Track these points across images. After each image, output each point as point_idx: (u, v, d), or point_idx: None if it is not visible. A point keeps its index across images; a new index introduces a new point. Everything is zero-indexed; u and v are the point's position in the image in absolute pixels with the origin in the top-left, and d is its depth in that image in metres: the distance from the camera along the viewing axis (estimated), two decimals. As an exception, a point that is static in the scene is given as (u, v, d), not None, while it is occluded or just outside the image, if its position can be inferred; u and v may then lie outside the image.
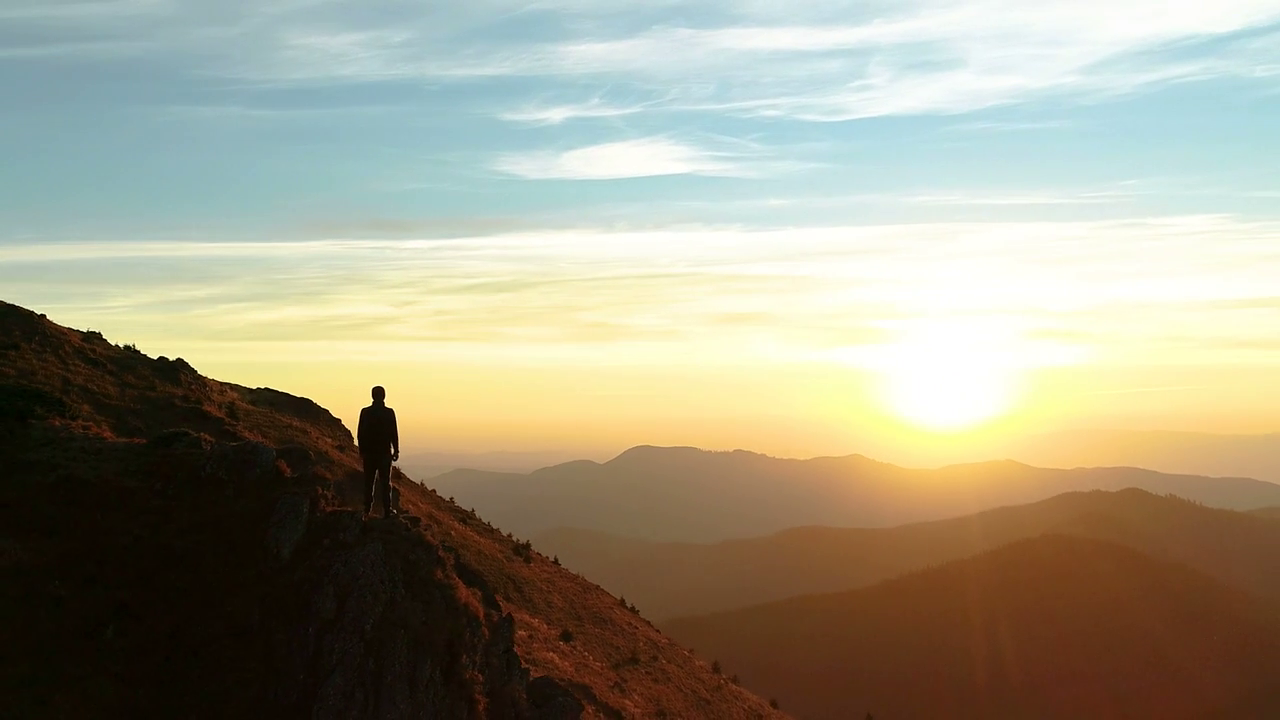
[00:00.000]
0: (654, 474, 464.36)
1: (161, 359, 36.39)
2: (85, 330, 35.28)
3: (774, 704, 47.21)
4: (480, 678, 16.52)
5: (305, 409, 43.23)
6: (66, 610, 14.32)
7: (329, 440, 40.08)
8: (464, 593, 17.11)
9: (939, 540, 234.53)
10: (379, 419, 17.99)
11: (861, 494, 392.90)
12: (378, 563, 16.05)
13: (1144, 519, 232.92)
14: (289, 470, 17.93)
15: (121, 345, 36.20)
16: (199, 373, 37.56)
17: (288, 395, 44.06)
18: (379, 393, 18.07)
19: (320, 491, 17.34)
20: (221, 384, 40.15)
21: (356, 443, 18.55)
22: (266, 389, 44.10)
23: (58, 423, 19.43)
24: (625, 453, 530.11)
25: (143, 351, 36.38)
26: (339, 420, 44.99)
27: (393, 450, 18.03)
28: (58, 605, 14.38)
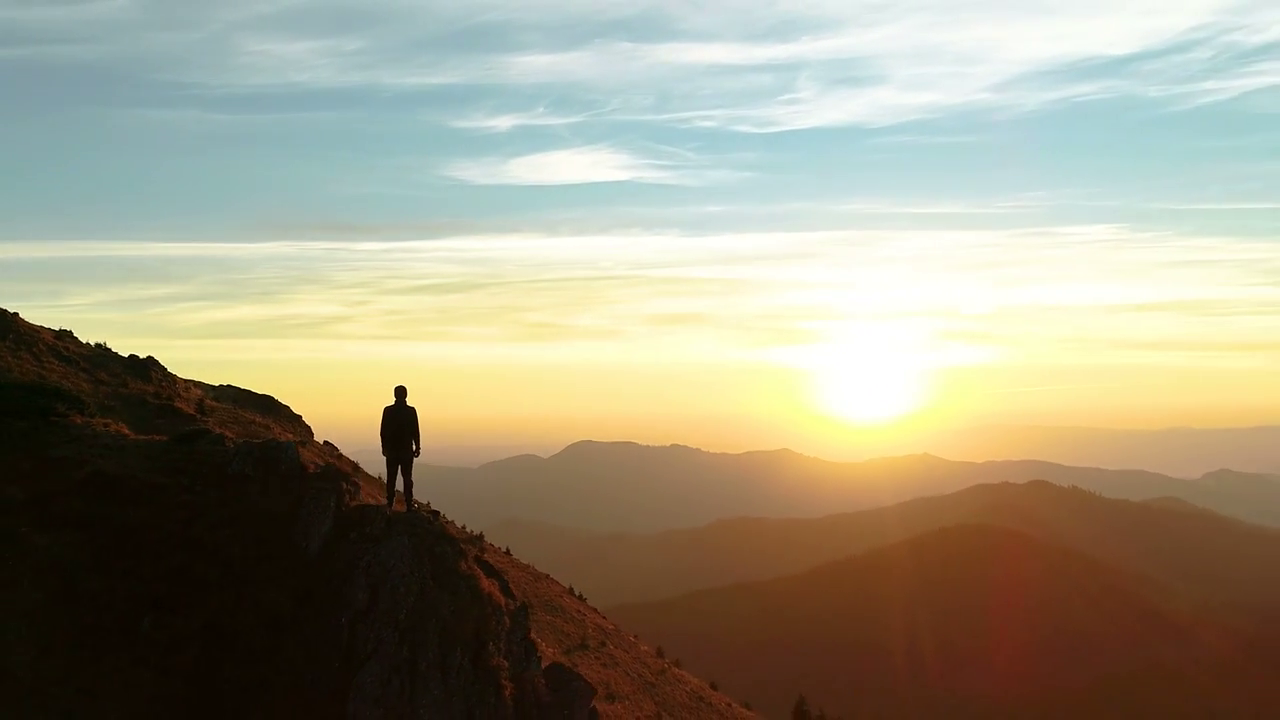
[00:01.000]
0: (596, 468, 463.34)
1: (132, 356, 35.82)
2: (57, 329, 34.71)
3: (713, 685, 48.15)
4: (505, 664, 16.56)
5: (268, 405, 42.69)
6: (104, 604, 14.10)
7: (291, 436, 40.00)
8: (486, 583, 17.11)
9: (862, 529, 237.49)
10: (402, 417, 17.90)
11: (790, 486, 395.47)
12: (407, 555, 15.93)
13: (1048, 508, 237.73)
14: (313, 466, 17.75)
15: (93, 343, 35.65)
16: (169, 370, 37.17)
17: (250, 392, 43.40)
18: (401, 392, 18.01)
19: (345, 486, 17.29)
20: (185, 381, 39.63)
21: (380, 440, 18.18)
22: (229, 386, 43.51)
23: (79, 420, 18.97)
24: (569, 447, 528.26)
25: (113, 349, 35.99)
26: (299, 416, 44.60)
27: (414, 446, 17.95)
28: (95, 599, 14.14)
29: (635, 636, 47.78)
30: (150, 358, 37.10)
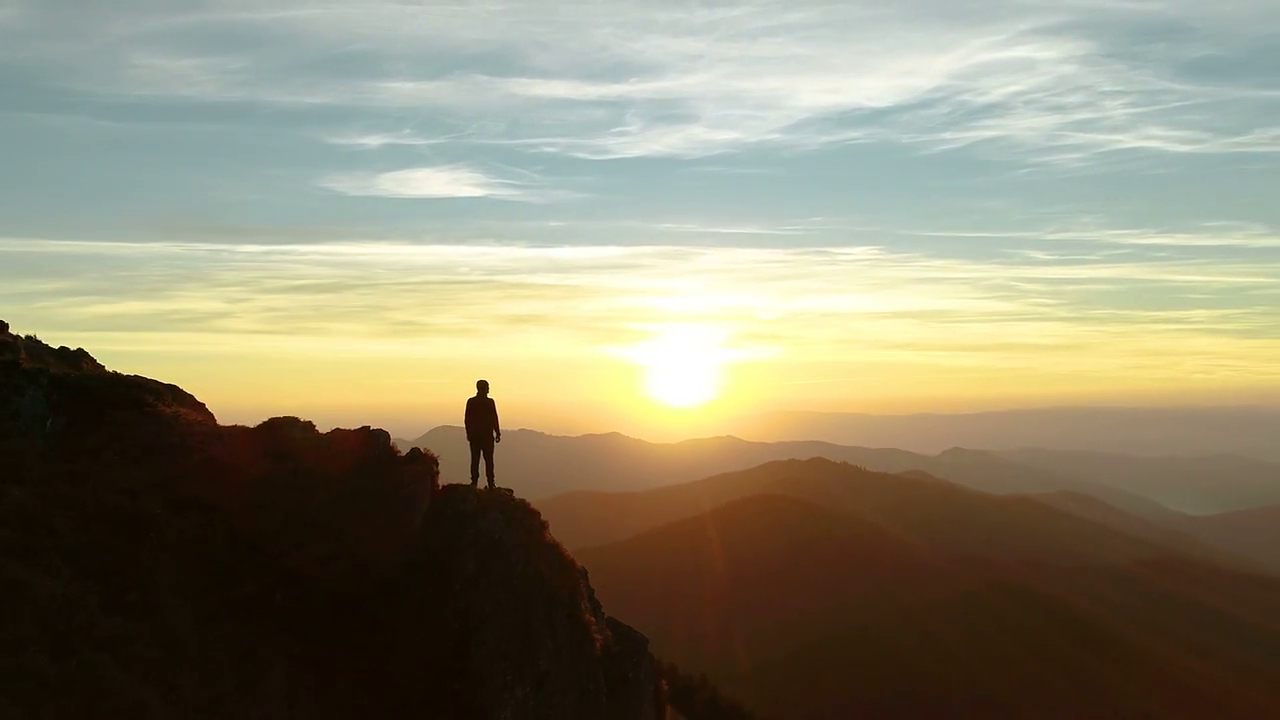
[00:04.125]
0: (454, 450, 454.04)
1: (63, 348, 34.04)
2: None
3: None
4: (593, 620, 16.43)
5: (176, 394, 41.35)
6: (238, 578, 13.36)
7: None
8: (566, 550, 16.78)
9: (680, 500, 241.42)
10: (483, 407, 17.51)
11: (619, 464, 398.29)
12: (506, 526, 15.61)
13: (825, 480, 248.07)
14: (399, 451, 16.86)
15: (23, 335, 33.65)
16: (97, 360, 35.55)
17: (155, 381, 41.79)
18: (483, 386, 17.60)
19: (435, 469, 16.68)
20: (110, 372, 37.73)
21: (465, 428, 17.80)
22: (135, 375, 41.62)
23: (168, 410, 17.45)
24: (430, 432, 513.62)
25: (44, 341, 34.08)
26: (203, 404, 43.05)
27: (495, 433, 17.59)
28: (229, 574, 13.38)
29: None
30: (80, 349, 35.48)
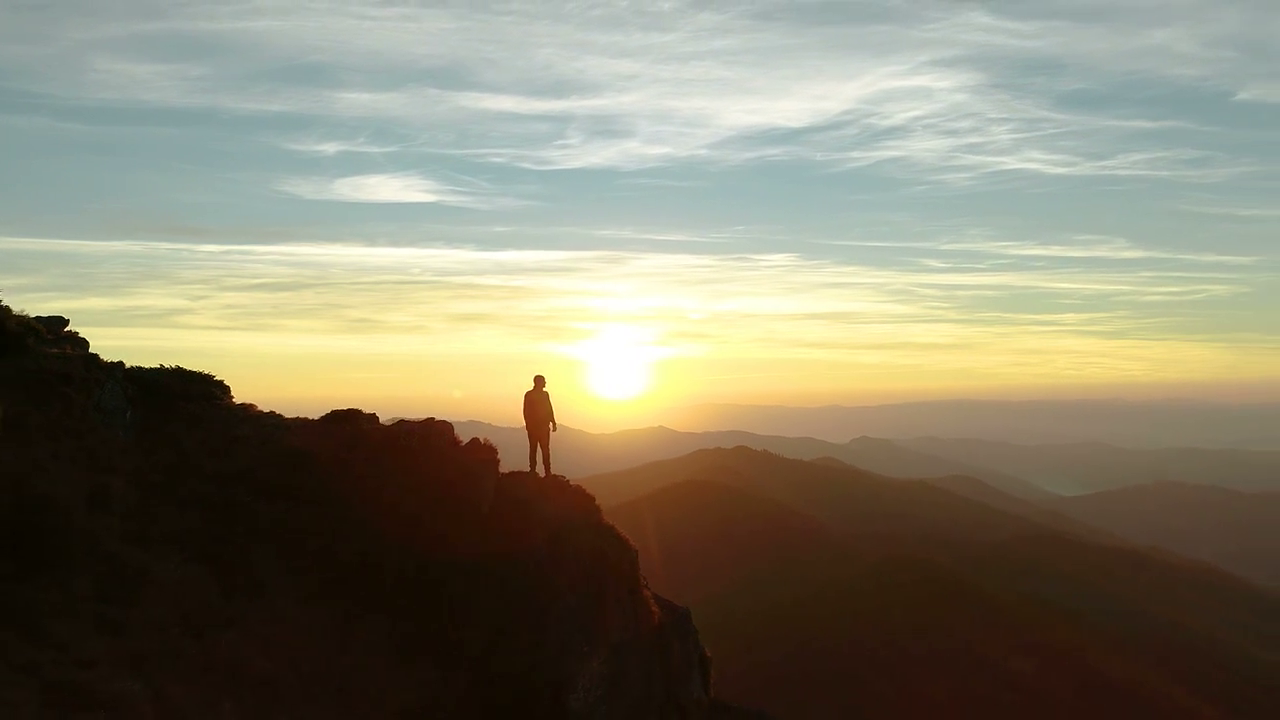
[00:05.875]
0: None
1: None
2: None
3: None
4: (649, 593, 16.45)
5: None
6: (328, 560, 13.09)
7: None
8: (621, 530, 16.74)
9: (615, 486, 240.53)
10: (540, 400, 17.42)
11: (561, 453, 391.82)
12: (569, 510, 15.58)
13: (748, 467, 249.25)
14: (461, 440, 16.61)
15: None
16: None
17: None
18: (540, 380, 17.50)
19: (496, 457, 16.54)
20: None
21: (523, 419, 17.60)
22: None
23: (236, 403, 16.97)
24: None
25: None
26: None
27: (551, 424, 17.49)
28: (320, 557, 13.09)
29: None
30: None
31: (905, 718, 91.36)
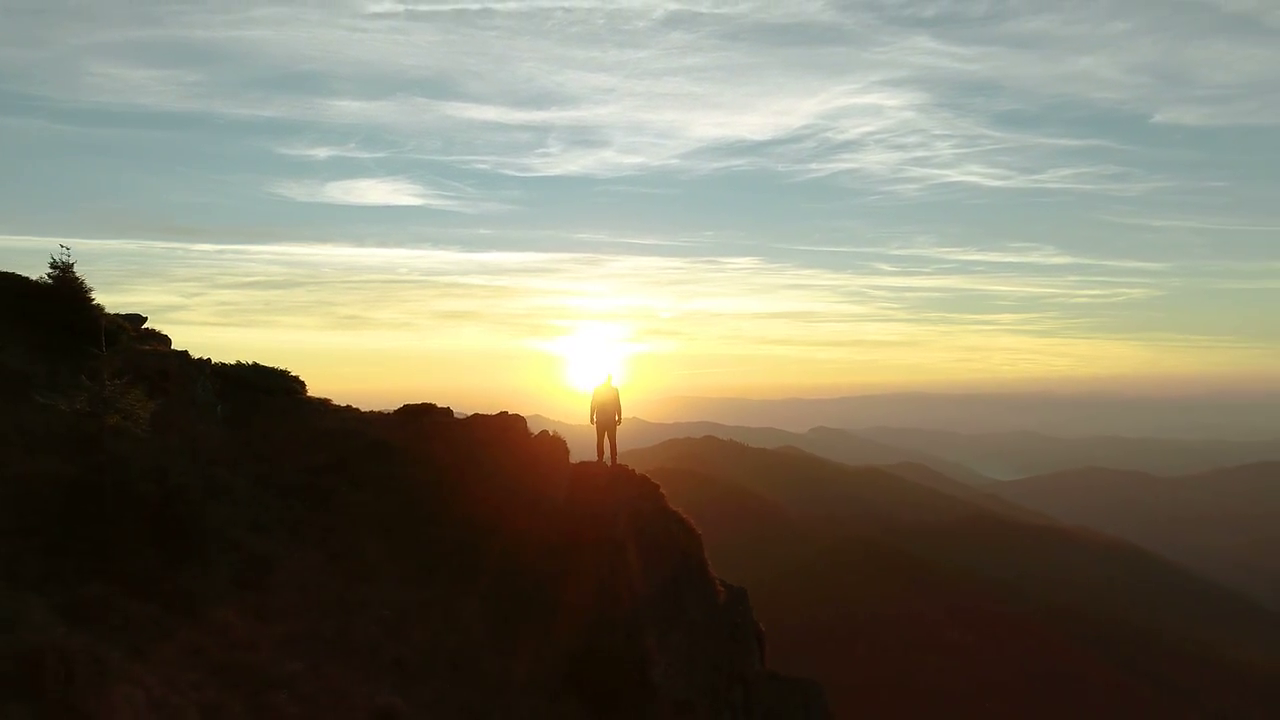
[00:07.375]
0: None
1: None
2: None
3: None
4: (715, 575, 16.33)
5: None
6: (417, 546, 12.77)
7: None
8: (687, 516, 16.59)
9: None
10: (607, 394, 17.16)
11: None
12: (639, 497, 15.44)
13: (716, 456, 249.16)
14: (531, 431, 16.40)
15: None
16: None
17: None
18: (609, 376, 17.35)
19: (567, 448, 16.35)
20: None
21: (590, 411, 17.22)
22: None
23: (315, 398, 16.49)
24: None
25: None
26: None
27: (618, 417, 17.17)
28: (410, 542, 12.82)
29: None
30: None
31: (861, 690, 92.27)
